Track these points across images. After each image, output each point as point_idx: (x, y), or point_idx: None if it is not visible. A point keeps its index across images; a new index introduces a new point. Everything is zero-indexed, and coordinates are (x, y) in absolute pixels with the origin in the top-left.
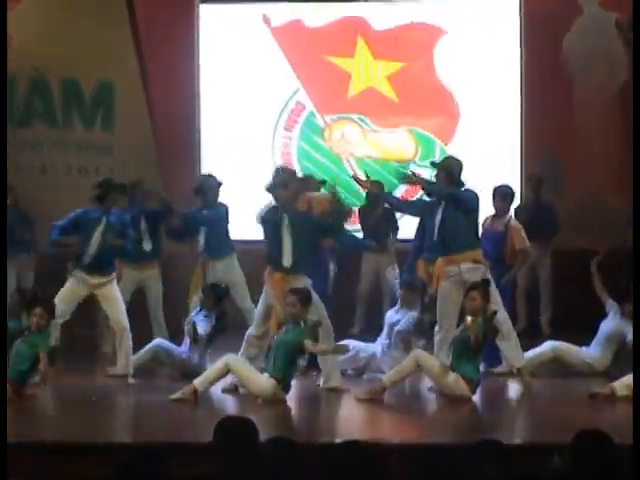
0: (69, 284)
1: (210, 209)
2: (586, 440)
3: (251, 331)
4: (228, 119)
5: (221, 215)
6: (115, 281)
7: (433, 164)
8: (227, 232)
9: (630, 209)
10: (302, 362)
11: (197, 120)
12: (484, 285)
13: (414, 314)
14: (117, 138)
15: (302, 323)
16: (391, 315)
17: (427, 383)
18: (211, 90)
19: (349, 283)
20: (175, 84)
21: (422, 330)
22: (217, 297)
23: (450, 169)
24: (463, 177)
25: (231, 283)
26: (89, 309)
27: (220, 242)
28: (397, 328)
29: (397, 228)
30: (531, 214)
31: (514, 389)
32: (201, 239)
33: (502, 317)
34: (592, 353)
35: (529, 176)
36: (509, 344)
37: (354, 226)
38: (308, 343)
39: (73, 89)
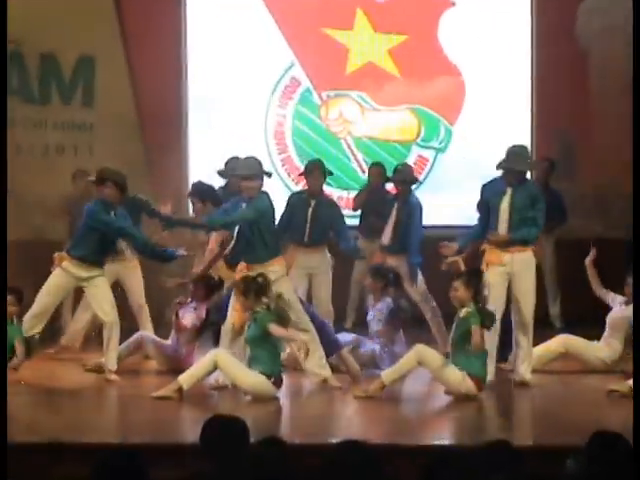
0: (56, 277)
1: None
2: (602, 442)
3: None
4: (217, 96)
5: None
6: (104, 275)
7: (503, 168)
8: None
9: (631, 204)
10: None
11: (184, 97)
12: (468, 274)
13: (389, 302)
14: (98, 115)
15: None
16: (370, 314)
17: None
18: (199, 65)
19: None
20: (160, 59)
21: (404, 318)
22: (208, 289)
23: (517, 164)
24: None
25: None
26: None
27: None
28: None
29: None
30: None
31: (523, 387)
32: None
33: (527, 316)
34: (604, 347)
35: (540, 159)
36: (521, 352)
37: (346, 211)
38: (272, 326)
39: (51, 64)
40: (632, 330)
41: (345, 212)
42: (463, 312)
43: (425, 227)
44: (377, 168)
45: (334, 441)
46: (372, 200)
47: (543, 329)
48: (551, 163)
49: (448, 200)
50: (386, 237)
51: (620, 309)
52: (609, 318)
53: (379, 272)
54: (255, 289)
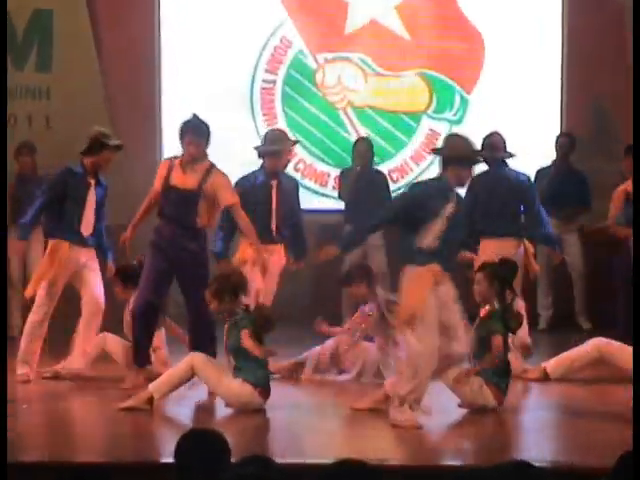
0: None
1: None
2: (630, 464)
3: None
4: (196, 58)
5: None
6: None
7: None
8: None
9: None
10: None
11: (157, 59)
12: (494, 266)
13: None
14: (56, 81)
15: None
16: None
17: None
18: (174, 21)
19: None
20: (130, 12)
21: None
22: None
23: None
24: None
25: None
26: None
27: None
28: None
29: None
30: (554, 182)
31: (549, 398)
32: None
33: None
34: None
35: (558, 134)
36: None
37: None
38: (244, 334)
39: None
40: None
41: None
42: (483, 311)
43: None
44: (363, 144)
45: (329, 461)
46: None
47: (568, 331)
48: (571, 138)
49: None
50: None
51: None
52: None
53: (361, 269)
54: (231, 289)
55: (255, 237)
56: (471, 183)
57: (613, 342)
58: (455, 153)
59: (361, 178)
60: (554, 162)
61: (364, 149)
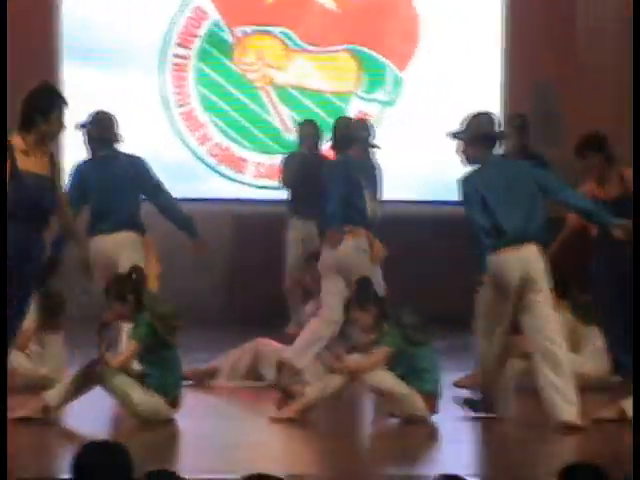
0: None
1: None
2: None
3: None
4: (98, 28)
5: None
6: None
7: None
8: None
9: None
10: None
11: (55, 30)
12: (357, 293)
13: None
14: None
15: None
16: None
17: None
18: None
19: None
20: None
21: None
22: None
23: None
24: None
25: None
26: None
27: None
28: None
29: None
30: None
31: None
32: None
33: None
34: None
35: (511, 116)
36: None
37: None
38: (130, 345)
39: None
40: None
41: (266, 182)
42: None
43: None
44: (309, 127)
45: (240, 475)
46: (305, 168)
47: None
48: (522, 119)
49: (397, 168)
50: None
51: None
52: None
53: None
54: (133, 289)
55: (82, 240)
56: None
57: None
58: None
59: (307, 164)
60: (514, 147)
61: (308, 132)
